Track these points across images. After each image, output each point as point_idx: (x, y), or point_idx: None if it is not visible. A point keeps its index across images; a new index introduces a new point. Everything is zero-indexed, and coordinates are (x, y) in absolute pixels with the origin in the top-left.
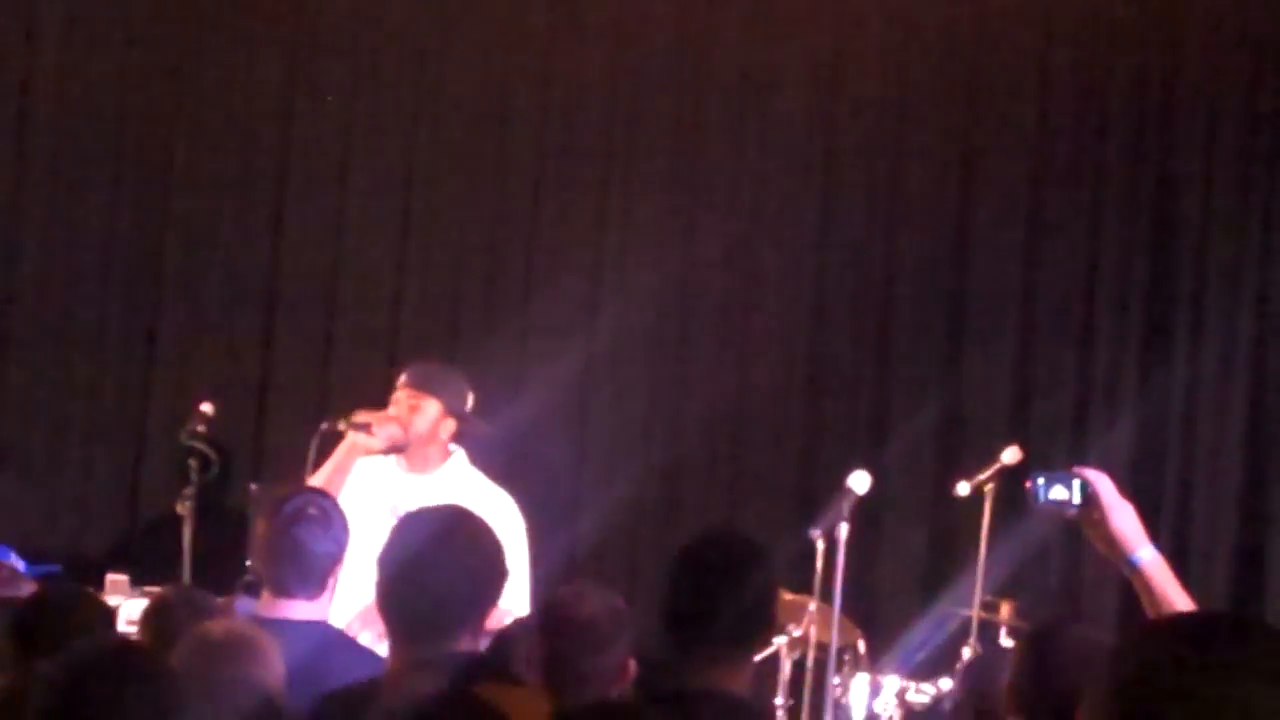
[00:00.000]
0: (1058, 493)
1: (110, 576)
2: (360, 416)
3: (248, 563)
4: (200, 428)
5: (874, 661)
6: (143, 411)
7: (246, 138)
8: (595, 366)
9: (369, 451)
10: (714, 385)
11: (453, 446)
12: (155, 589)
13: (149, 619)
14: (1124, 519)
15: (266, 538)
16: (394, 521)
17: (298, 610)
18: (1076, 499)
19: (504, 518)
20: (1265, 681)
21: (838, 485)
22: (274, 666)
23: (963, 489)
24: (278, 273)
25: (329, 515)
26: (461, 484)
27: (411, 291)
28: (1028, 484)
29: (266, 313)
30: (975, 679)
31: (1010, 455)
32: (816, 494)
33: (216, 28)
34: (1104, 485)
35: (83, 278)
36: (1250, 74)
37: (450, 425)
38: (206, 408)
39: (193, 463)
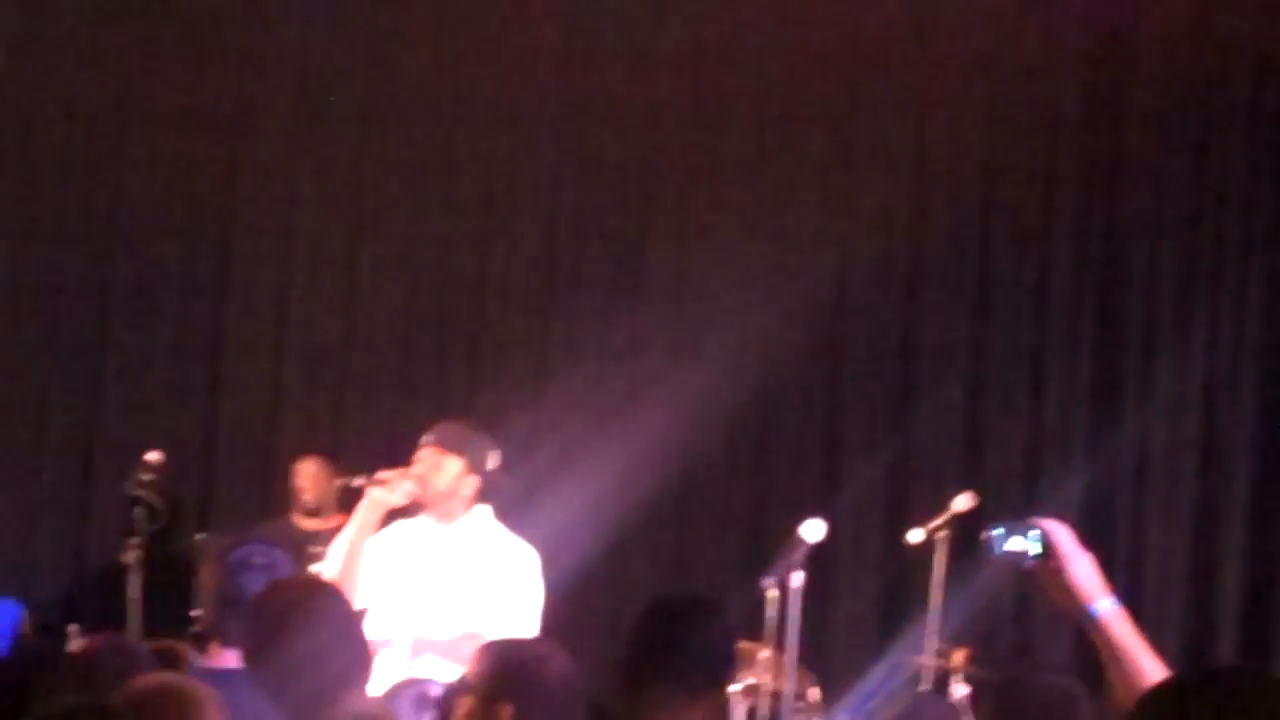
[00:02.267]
0: (1015, 544)
1: (69, 628)
2: (381, 474)
3: (195, 614)
4: (147, 477)
5: (828, 709)
6: (89, 462)
7: (193, 187)
8: (542, 426)
9: (389, 506)
10: (666, 432)
11: (474, 500)
12: None
13: (77, 668)
14: (1082, 569)
15: (211, 587)
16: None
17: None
18: (1035, 550)
19: (527, 567)
20: None
21: (790, 533)
22: (211, 717)
23: (915, 536)
24: (224, 322)
25: (273, 563)
26: (483, 535)
27: (360, 341)
28: (984, 534)
29: (213, 362)
30: None
31: (963, 502)
32: (769, 542)
33: (158, 101)
34: (1062, 535)
35: (29, 327)
36: (1197, 119)
37: (473, 482)
38: (153, 457)
39: (139, 512)
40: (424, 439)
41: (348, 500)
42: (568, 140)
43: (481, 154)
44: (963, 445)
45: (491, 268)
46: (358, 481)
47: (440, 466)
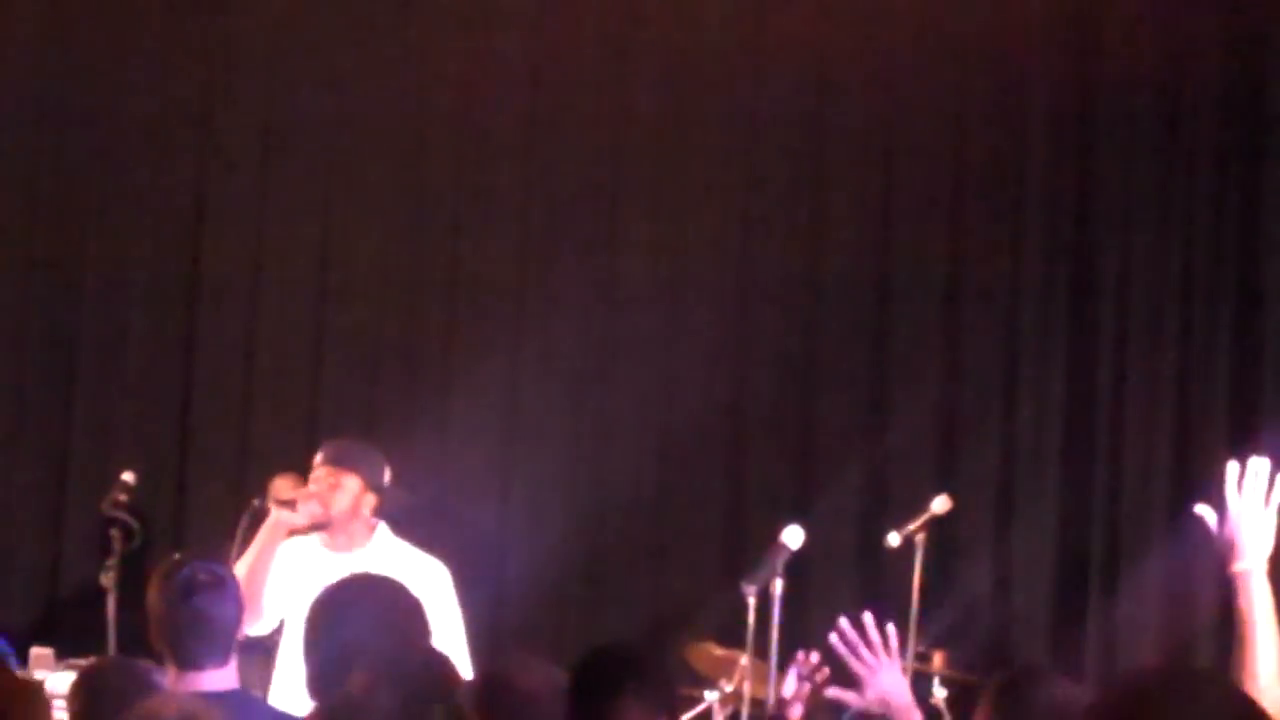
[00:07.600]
0: None
1: (35, 650)
2: (284, 493)
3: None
4: (122, 497)
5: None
6: (62, 482)
7: (162, 203)
8: (517, 429)
9: (293, 529)
10: (637, 443)
11: (374, 520)
12: (81, 662)
13: (82, 690)
14: None
15: (164, 612)
16: None
17: (209, 681)
18: None
19: (437, 585)
20: None
21: (765, 538)
22: None
23: (893, 539)
24: (194, 341)
25: (222, 579)
26: (389, 558)
27: (330, 355)
28: None
29: (184, 380)
30: None
31: (940, 504)
32: (744, 548)
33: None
34: None
35: None
36: (1162, 150)
37: (371, 500)
38: (128, 477)
39: (115, 533)
40: (318, 458)
41: (254, 523)
42: (535, 157)
43: (449, 163)
44: (938, 447)
45: (459, 293)
46: (260, 503)
47: (339, 485)
